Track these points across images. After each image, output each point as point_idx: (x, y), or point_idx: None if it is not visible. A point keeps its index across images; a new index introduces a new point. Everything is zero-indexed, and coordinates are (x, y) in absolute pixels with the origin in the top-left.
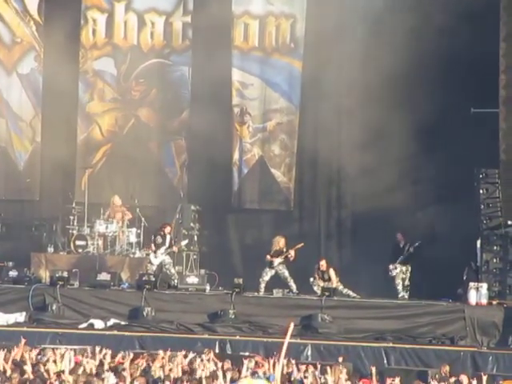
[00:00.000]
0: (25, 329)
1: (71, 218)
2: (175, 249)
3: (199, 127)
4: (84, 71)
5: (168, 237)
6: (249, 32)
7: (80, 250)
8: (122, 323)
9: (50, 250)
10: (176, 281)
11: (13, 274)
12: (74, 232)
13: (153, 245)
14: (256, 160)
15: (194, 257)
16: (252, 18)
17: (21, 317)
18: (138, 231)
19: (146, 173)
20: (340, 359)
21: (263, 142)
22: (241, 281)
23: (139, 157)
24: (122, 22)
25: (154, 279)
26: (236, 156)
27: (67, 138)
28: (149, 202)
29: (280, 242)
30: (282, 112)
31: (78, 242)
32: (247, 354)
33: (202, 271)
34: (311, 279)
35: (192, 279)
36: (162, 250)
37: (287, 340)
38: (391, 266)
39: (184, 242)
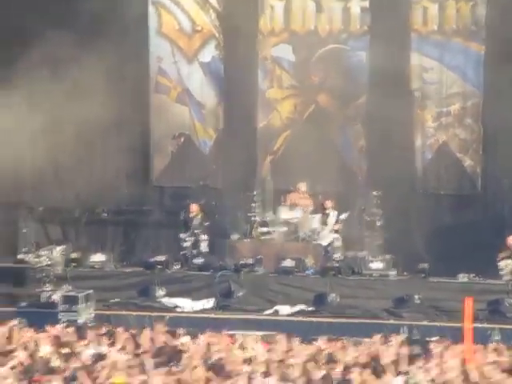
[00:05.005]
0: (212, 315)
1: (253, 205)
2: (336, 227)
3: (377, 112)
4: (262, 58)
5: (332, 214)
6: (428, 16)
7: (263, 237)
8: (308, 309)
9: (234, 237)
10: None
11: (198, 261)
12: (257, 219)
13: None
14: (440, 144)
15: (379, 242)
16: (431, 1)
17: (208, 303)
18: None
19: (326, 159)
20: None
21: (447, 126)
22: (426, 266)
23: (319, 143)
24: (300, 9)
25: (338, 265)
26: (419, 141)
27: (248, 125)
28: (329, 188)
29: None
30: (464, 96)
31: (261, 229)
32: (434, 339)
33: (387, 256)
34: (499, 263)
35: (376, 265)
36: (327, 229)
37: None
38: None
39: (345, 215)
